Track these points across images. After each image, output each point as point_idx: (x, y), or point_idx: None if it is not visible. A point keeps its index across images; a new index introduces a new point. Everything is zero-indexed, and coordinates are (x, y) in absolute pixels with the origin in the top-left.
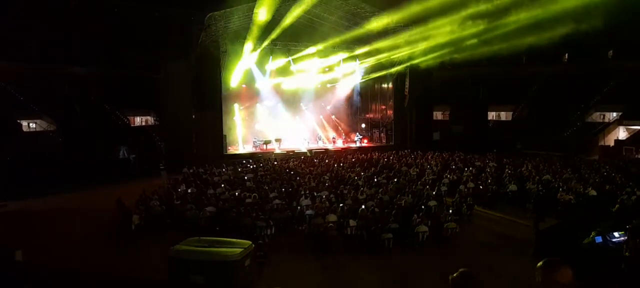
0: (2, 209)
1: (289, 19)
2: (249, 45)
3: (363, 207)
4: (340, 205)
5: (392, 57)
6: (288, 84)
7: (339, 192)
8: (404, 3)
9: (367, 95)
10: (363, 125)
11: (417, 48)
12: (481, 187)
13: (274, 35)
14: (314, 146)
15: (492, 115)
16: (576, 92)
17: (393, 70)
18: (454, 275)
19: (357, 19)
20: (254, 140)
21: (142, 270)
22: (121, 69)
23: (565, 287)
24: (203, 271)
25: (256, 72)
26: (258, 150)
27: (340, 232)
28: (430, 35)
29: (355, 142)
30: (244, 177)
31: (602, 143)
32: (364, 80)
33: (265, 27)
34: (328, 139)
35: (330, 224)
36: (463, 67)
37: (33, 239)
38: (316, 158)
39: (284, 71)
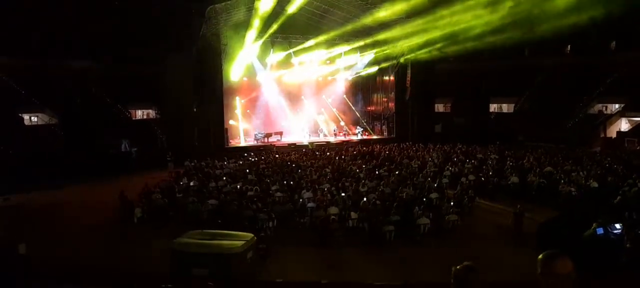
0: (4, 203)
1: (290, 11)
2: (250, 37)
3: (364, 199)
4: (342, 197)
5: (394, 49)
6: (289, 76)
7: (340, 184)
8: None
9: (368, 87)
10: (364, 119)
11: (419, 39)
12: (483, 179)
13: (275, 27)
14: (315, 139)
15: (494, 107)
16: (578, 84)
17: (394, 62)
18: (457, 267)
19: (358, 11)
20: (256, 133)
21: (144, 263)
22: (122, 62)
23: (565, 279)
24: (205, 264)
25: (257, 64)
26: (259, 143)
27: (341, 225)
28: (433, 26)
29: (356, 134)
30: (246, 169)
31: (603, 135)
32: (365, 72)
33: (266, 19)
34: (329, 132)
35: (332, 217)
36: (465, 59)
37: (36, 232)
38: (317, 151)
39: (285, 64)
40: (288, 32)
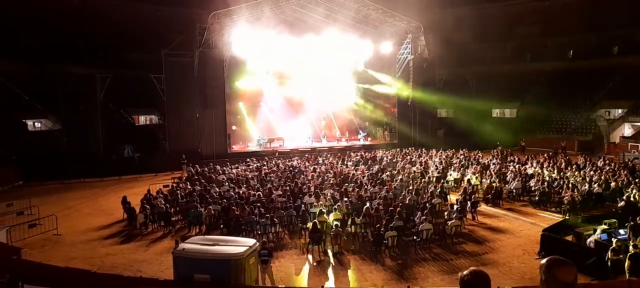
0: (8, 209)
1: (293, 14)
2: (253, 43)
3: (367, 204)
4: (345, 202)
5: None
6: (292, 81)
7: (343, 190)
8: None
9: (371, 92)
10: (366, 123)
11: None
12: (485, 184)
13: (278, 32)
14: (317, 144)
15: (496, 112)
16: (581, 89)
17: (397, 66)
18: (465, 273)
19: (360, 16)
20: (258, 138)
21: (147, 269)
22: (126, 68)
23: (569, 286)
24: (208, 269)
25: (260, 70)
26: (262, 149)
27: (344, 230)
28: None
29: (359, 139)
30: (248, 175)
31: (607, 140)
32: (369, 76)
33: (269, 24)
34: (332, 137)
35: (335, 222)
36: (467, 64)
37: (38, 237)
38: (320, 156)
39: (288, 69)
40: (292, 36)
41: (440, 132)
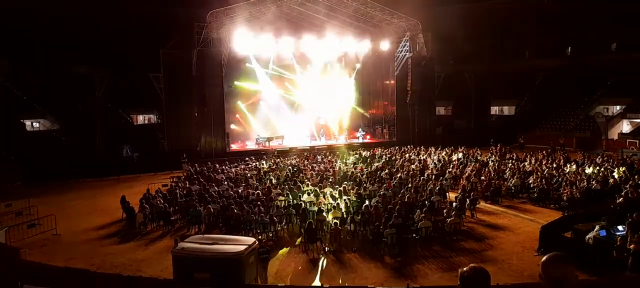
0: (7, 209)
1: (292, 14)
2: (251, 41)
3: (366, 202)
4: (344, 200)
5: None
6: (291, 79)
7: (342, 188)
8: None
9: (370, 90)
10: (365, 122)
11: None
12: (484, 181)
13: (277, 30)
14: (316, 142)
15: (495, 110)
16: (579, 86)
17: (395, 65)
18: (464, 269)
19: (358, 15)
20: (257, 136)
21: (146, 268)
22: (124, 67)
23: (567, 283)
24: (207, 268)
25: (258, 68)
26: (261, 147)
27: (343, 228)
28: None
29: (358, 137)
30: (247, 173)
31: (605, 137)
32: (366, 75)
33: (268, 22)
34: (331, 135)
35: (334, 220)
36: (466, 61)
37: (38, 237)
38: (319, 155)
39: (286, 67)
40: (291, 35)
41: (439, 129)
